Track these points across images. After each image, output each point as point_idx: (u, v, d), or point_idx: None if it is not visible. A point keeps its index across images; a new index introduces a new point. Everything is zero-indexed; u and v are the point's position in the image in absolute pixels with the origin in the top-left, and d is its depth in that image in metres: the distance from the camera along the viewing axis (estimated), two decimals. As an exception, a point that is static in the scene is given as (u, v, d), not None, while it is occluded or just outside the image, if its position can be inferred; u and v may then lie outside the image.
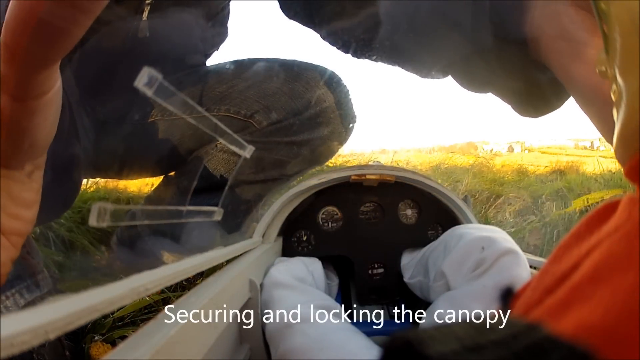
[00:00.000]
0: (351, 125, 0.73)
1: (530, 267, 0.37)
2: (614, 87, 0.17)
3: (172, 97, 0.22)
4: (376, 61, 0.46)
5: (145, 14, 0.58)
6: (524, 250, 0.38)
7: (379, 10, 0.40)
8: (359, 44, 0.44)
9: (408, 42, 0.41)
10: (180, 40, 0.67)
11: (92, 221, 0.19)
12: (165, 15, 0.60)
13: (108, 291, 0.16)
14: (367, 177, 0.50)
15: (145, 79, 0.20)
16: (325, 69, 0.70)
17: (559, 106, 0.38)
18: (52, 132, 0.27)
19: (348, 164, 1.09)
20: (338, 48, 0.48)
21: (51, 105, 0.25)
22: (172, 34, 0.64)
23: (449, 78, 0.44)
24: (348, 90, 0.72)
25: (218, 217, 0.35)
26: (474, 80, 0.42)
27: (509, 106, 0.42)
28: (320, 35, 0.48)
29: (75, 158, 0.52)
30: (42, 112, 0.25)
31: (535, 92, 0.38)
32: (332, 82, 0.69)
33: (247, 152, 0.35)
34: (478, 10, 0.35)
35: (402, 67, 0.46)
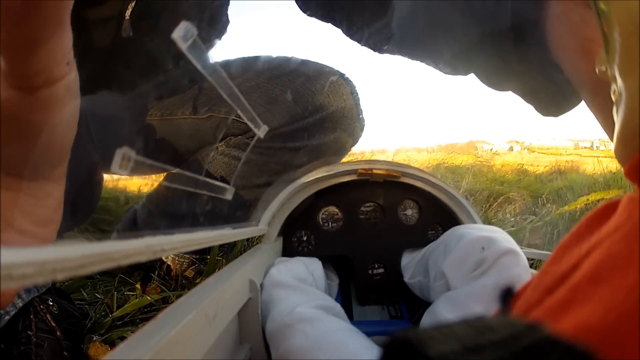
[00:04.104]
0: (359, 131, 0.70)
1: (533, 262, 0.38)
2: (614, 87, 0.17)
3: (203, 57, 0.21)
4: (397, 55, 0.47)
5: (128, 12, 0.55)
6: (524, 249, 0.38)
7: (402, 4, 0.41)
8: (382, 38, 0.45)
9: (429, 37, 0.42)
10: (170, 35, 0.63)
11: (115, 168, 0.19)
12: (151, 9, 0.56)
13: (125, 244, 0.15)
14: (374, 171, 0.50)
15: (181, 32, 0.19)
16: (335, 71, 0.66)
17: (575, 105, 0.40)
18: (70, 135, 0.24)
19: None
20: (359, 42, 0.48)
21: (65, 98, 0.22)
22: (160, 29, 0.59)
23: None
24: (357, 95, 0.67)
25: (229, 195, 0.35)
26: (494, 79, 0.44)
27: (531, 106, 0.43)
28: (342, 30, 0.48)
29: (94, 166, 0.50)
30: (55, 105, 0.21)
31: (554, 92, 0.39)
32: (341, 86, 0.65)
33: (262, 131, 0.35)
34: (499, 6, 0.36)
35: (424, 62, 0.46)
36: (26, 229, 0.23)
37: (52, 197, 0.24)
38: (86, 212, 0.54)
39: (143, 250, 0.16)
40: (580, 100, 0.39)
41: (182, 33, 0.20)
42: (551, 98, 0.40)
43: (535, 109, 0.43)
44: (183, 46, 0.20)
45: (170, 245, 0.18)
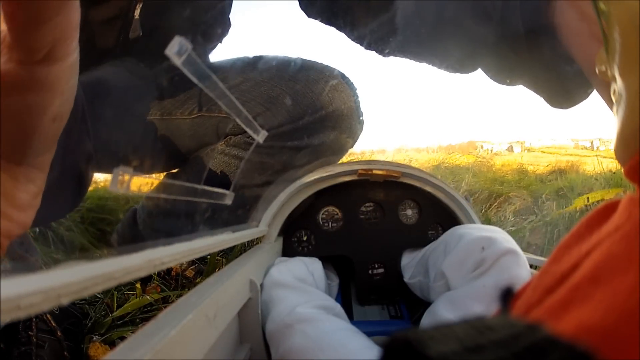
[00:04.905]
0: (358, 130, 0.70)
1: (531, 266, 0.38)
2: (614, 87, 0.17)
3: (199, 70, 0.21)
4: (402, 57, 0.46)
5: (137, 12, 0.55)
6: (524, 250, 0.38)
7: (406, 5, 0.40)
8: (386, 41, 0.44)
9: (436, 37, 0.41)
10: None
11: (113, 187, 0.19)
12: (159, 12, 0.57)
13: (125, 261, 0.16)
14: (374, 172, 0.50)
15: (175, 48, 0.19)
16: (334, 70, 0.66)
17: (586, 97, 0.40)
18: (60, 124, 0.24)
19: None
20: (364, 46, 0.48)
21: (62, 80, 0.21)
22: (166, 30, 0.60)
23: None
24: (357, 93, 0.67)
25: (229, 200, 0.35)
26: (504, 73, 0.44)
27: (541, 98, 0.43)
28: (345, 34, 0.48)
29: (86, 156, 0.50)
30: (52, 85, 0.21)
31: (564, 84, 0.39)
32: (340, 85, 0.65)
33: (261, 136, 0.35)
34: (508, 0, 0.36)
35: (430, 63, 0.46)
36: (5, 211, 0.23)
37: (33, 184, 0.25)
38: (72, 203, 0.54)
39: (143, 265, 0.17)
40: (590, 92, 0.39)
41: (177, 49, 0.19)
42: (562, 90, 0.40)
43: (546, 100, 0.43)
44: (177, 62, 0.19)
45: (169, 257, 0.19)
